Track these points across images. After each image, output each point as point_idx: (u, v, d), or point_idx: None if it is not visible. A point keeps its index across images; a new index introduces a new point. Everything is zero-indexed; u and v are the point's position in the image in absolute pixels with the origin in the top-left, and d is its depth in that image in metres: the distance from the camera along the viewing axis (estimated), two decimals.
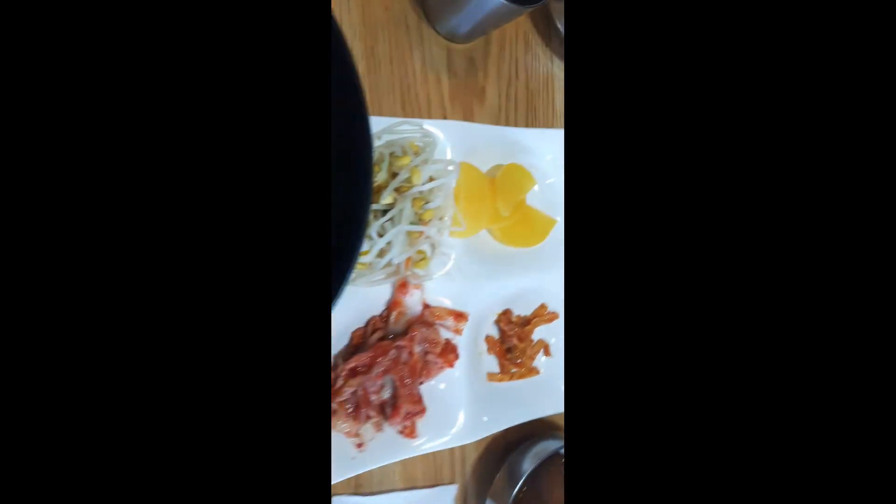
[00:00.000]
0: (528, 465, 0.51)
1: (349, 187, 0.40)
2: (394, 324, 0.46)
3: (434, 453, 0.52)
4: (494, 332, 0.57)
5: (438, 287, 0.50)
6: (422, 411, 0.46)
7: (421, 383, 0.47)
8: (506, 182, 0.54)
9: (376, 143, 0.47)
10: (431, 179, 0.47)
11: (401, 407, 0.44)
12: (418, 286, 0.46)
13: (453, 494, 0.53)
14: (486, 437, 0.54)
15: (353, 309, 0.47)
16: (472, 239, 0.54)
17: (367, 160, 0.39)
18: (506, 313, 0.57)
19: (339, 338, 0.47)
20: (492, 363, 0.56)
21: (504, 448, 0.56)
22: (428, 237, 0.46)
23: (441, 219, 0.47)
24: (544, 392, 0.58)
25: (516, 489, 0.49)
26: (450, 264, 0.49)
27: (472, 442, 0.53)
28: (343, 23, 0.53)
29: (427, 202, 0.46)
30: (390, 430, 0.47)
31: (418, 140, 0.48)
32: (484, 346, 0.56)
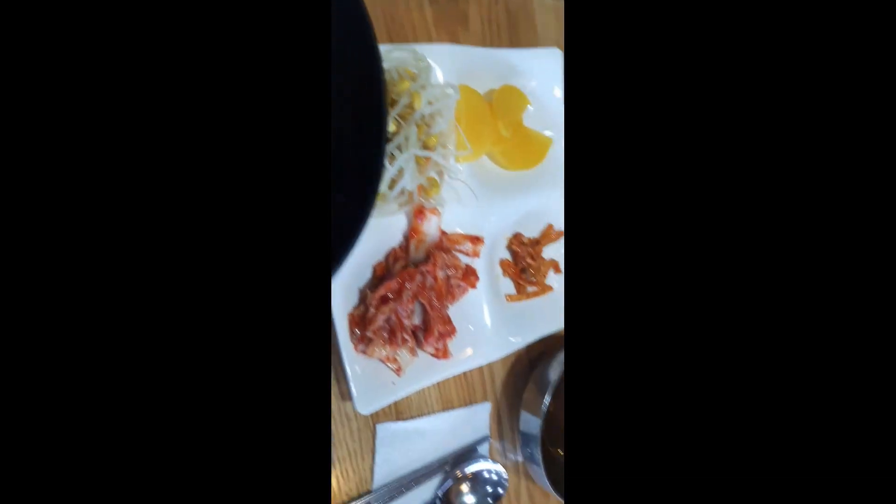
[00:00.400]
0: (553, 374, 0.53)
1: (362, 126, 0.39)
2: (415, 252, 0.46)
3: (465, 375, 0.54)
4: (507, 256, 0.58)
5: (449, 216, 0.51)
6: (453, 331, 0.47)
7: (447, 306, 0.48)
8: (502, 103, 0.54)
9: None
10: (430, 104, 0.46)
11: (433, 328, 0.45)
12: (435, 211, 0.46)
13: (488, 411, 0.55)
14: (512, 355, 0.56)
15: (371, 242, 0.47)
16: (475, 166, 0.54)
17: (380, 97, 0.38)
18: (516, 237, 0.58)
19: (362, 272, 0.47)
20: (508, 285, 0.57)
21: (529, 363, 0.58)
22: (436, 163, 0.46)
23: (445, 145, 0.47)
24: (559, 307, 0.59)
25: (546, 397, 0.52)
26: (461, 189, 0.50)
27: (499, 360, 0.55)
28: None
29: (429, 127, 0.46)
30: (424, 355, 0.48)
31: (412, 66, 0.48)
32: (499, 270, 0.57)
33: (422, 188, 0.46)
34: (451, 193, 0.49)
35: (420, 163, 0.46)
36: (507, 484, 0.52)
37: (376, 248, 0.48)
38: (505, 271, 0.57)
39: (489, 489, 0.51)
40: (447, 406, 0.53)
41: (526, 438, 0.53)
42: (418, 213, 0.45)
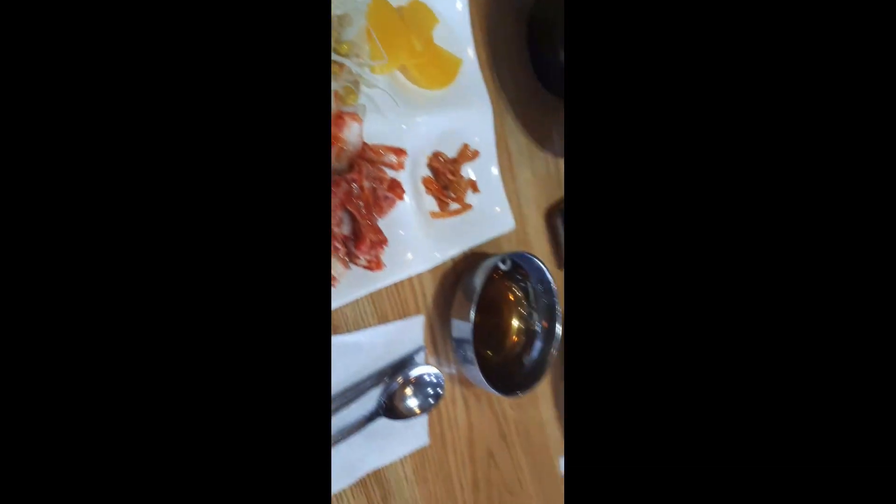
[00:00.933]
0: (478, 281, 0.56)
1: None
2: (336, 161, 0.47)
3: (398, 290, 0.56)
4: (429, 174, 0.59)
5: (371, 128, 0.51)
6: (384, 241, 0.48)
7: (377, 218, 0.49)
8: (413, 17, 0.54)
9: None
10: (337, 7, 0.46)
11: (365, 237, 0.46)
12: (355, 117, 0.47)
13: (422, 324, 0.57)
14: (440, 269, 0.59)
15: None
16: (394, 82, 0.55)
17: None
18: (436, 155, 0.59)
19: None
20: (431, 203, 0.59)
21: (455, 275, 0.60)
22: (350, 71, 0.46)
23: (359, 55, 0.47)
24: (480, 222, 0.62)
25: (473, 303, 0.55)
26: (380, 99, 0.50)
27: (428, 274, 0.57)
28: None
29: (339, 33, 0.46)
30: (356, 268, 0.49)
31: None
32: (422, 188, 0.58)
33: (338, 94, 0.46)
34: (370, 103, 0.49)
35: (335, 70, 0.45)
36: (444, 385, 0.56)
37: None
38: (428, 188, 0.59)
39: (430, 391, 0.54)
40: (382, 320, 0.54)
41: (459, 343, 0.57)
42: (337, 118, 0.46)
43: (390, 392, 0.52)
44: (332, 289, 0.47)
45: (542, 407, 0.70)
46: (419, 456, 0.57)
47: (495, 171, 0.63)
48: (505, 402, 0.65)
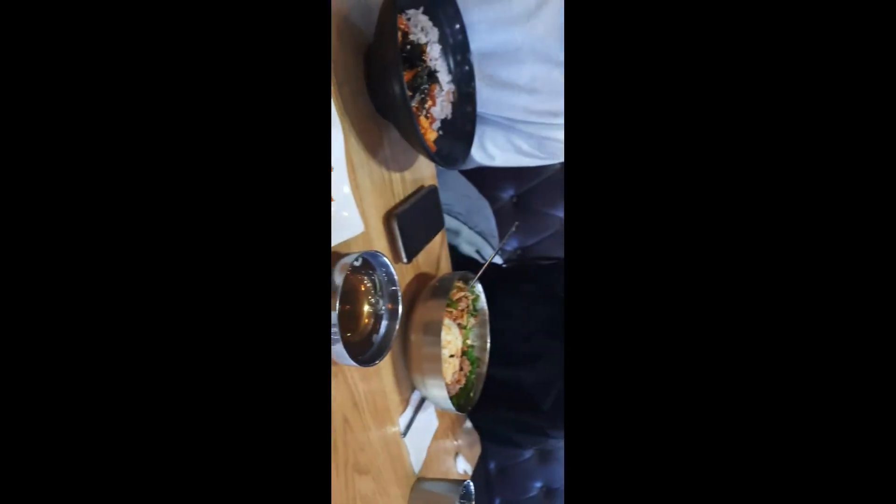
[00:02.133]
0: (338, 277, 0.68)
1: None
2: None
3: None
4: None
5: None
6: None
7: None
8: None
9: None
10: None
11: None
12: None
13: None
14: None
15: None
16: None
17: None
18: None
19: None
20: None
21: None
22: None
23: None
24: (337, 228, 0.74)
25: (337, 294, 0.66)
26: None
27: None
28: None
29: None
30: None
31: None
32: None
33: None
34: None
35: None
36: None
37: None
38: None
39: None
40: None
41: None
42: None
43: None
44: None
45: (384, 378, 0.84)
46: None
47: (346, 189, 0.75)
48: (357, 375, 0.77)
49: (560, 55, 0.84)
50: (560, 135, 0.95)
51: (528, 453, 1.63)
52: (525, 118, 0.94)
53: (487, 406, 0.89)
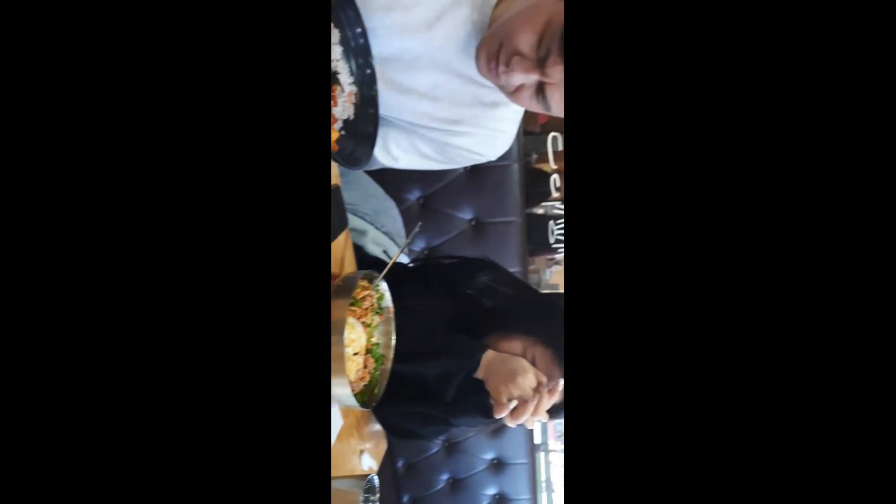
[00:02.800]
0: None
1: None
2: None
3: None
4: None
5: None
6: None
7: None
8: None
9: None
10: None
11: None
12: None
13: None
14: None
15: None
16: None
17: None
18: None
19: None
20: None
21: None
22: None
23: None
24: None
25: None
26: None
27: None
28: None
29: None
30: None
31: None
32: None
33: None
34: None
35: None
36: None
37: None
38: None
39: None
40: None
41: None
42: None
43: None
44: None
45: None
46: None
47: None
48: None
49: (459, 66, 0.87)
50: (460, 141, 0.98)
51: (434, 447, 1.67)
52: (427, 123, 0.96)
53: (392, 402, 0.91)
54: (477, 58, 0.78)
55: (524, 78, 0.72)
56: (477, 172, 1.51)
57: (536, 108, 0.77)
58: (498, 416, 0.83)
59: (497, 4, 0.82)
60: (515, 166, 1.50)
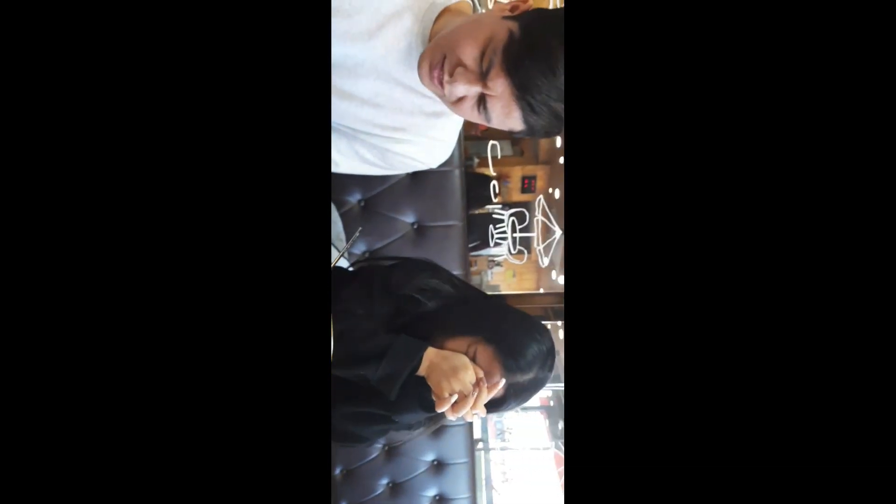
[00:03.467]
0: None
1: None
2: None
3: None
4: None
5: None
6: None
7: None
8: None
9: None
10: None
11: None
12: None
13: None
14: None
15: None
16: None
17: None
18: None
19: None
20: None
21: None
22: None
23: None
24: None
25: None
26: None
27: None
28: None
29: None
30: None
31: None
32: None
33: None
34: None
35: None
36: None
37: None
38: None
39: None
40: None
41: None
42: None
43: None
44: None
45: None
46: None
47: None
48: None
49: (400, 75, 0.88)
50: (401, 148, 0.99)
51: (374, 452, 1.66)
52: (369, 130, 0.96)
53: (333, 405, 0.91)
54: (419, 67, 0.80)
55: (466, 89, 0.74)
56: (419, 176, 1.52)
57: (477, 119, 0.78)
58: (439, 410, 0.84)
59: (438, 17, 0.84)
60: (457, 172, 1.52)
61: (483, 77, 0.72)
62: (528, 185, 5.35)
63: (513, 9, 0.76)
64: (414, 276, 1.02)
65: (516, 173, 5.33)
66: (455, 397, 0.83)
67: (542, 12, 0.74)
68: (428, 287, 1.00)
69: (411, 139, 0.96)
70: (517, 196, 5.34)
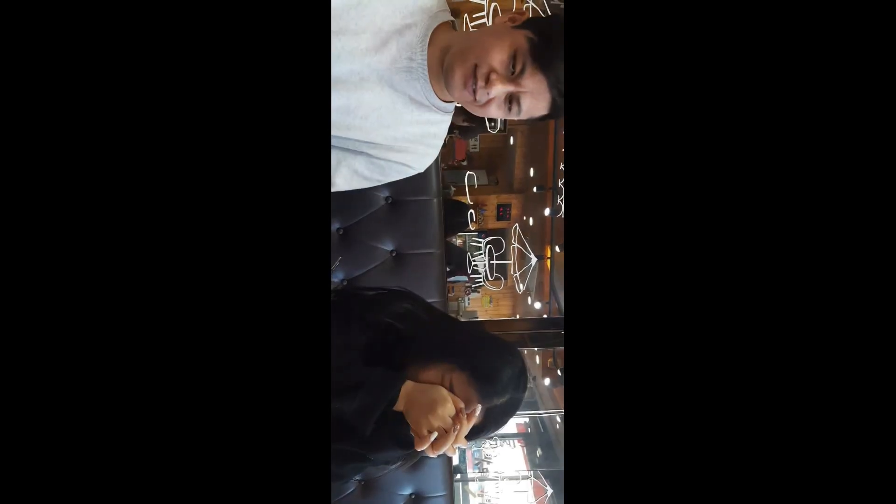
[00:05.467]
0: None
1: None
2: None
3: None
4: None
5: None
6: None
7: None
8: None
9: None
10: None
11: None
12: None
13: None
14: None
15: None
16: None
17: None
18: None
19: None
20: None
21: None
22: None
23: None
24: None
25: None
26: None
27: None
28: None
29: None
30: None
31: None
32: None
33: None
34: None
35: None
36: None
37: None
38: None
39: None
40: None
41: None
42: None
43: None
44: None
45: None
46: None
47: None
48: None
49: (403, 86, 0.95)
50: (399, 157, 1.05)
51: (350, 487, 1.62)
52: (372, 140, 1.02)
53: None
54: (450, 78, 0.90)
55: (502, 90, 0.86)
56: (397, 205, 1.52)
57: (503, 115, 0.91)
58: (419, 449, 0.82)
59: (436, 31, 0.93)
60: (435, 200, 1.53)
61: (516, 78, 0.86)
62: (503, 212, 5.42)
63: (512, 20, 0.90)
64: (392, 304, 1.01)
65: (492, 202, 5.39)
66: (435, 435, 0.81)
67: (541, 19, 0.93)
68: (404, 312, 1.00)
69: (408, 147, 1.04)
70: (493, 223, 5.40)
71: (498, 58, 0.86)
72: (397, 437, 0.86)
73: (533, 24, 0.89)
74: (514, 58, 0.86)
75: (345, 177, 1.08)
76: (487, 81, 0.86)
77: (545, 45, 0.84)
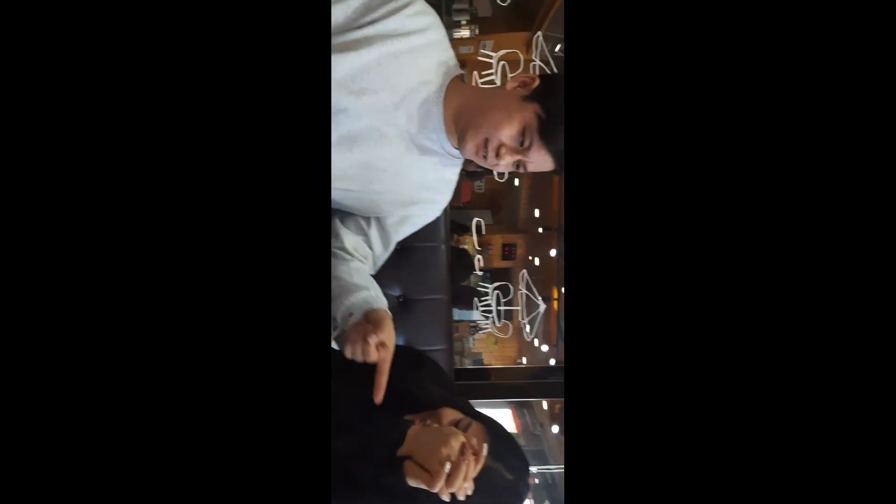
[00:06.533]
0: None
1: None
2: None
3: None
4: None
5: None
6: None
7: None
8: None
9: None
10: None
11: None
12: None
13: None
14: None
15: None
16: None
17: None
18: None
19: None
20: None
21: None
22: None
23: None
24: None
25: None
26: None
27: None
28: None
29: None
30: None
31: None
32: None
33: None
34: None
35: None
36: None
37: None
38: None
39: None
40: None
41: None
42: None
43: None
44: None
45: None
46: None
47: None
48: None
49: (420, 139, 1.03)
50: (417, 210, 1.17)
51: None
52: (391, 198, 1.12)
53: None
54: (464, 148, 1.00)
55: (510, 161, 0.97)
56: (405, 252, 1.53)
57: (511, 170, 1.01)
58: (434, 489, 0.78)
59: (449, 86, 1.02)
60: (443, 247, 1.54)
61: (524, 150, 0.95)
62: (508, 252, 5.43)
63: (523, 85, 0.97)
64: (407, 372, 1.01)
65: (497, 241, 5.40)
66: (448, 466, 0.75)
67: (549, 84, 0.95)
68: (421, 390, 1.01)
69: (422, 196, 1.14)
70: (498, 262, 5.39)
71: (507, 133, 0.94)
72: (392, 494, 0.82)
73: (541, 97, 0.95)
74: (522, 133, 0.94)
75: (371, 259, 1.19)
76: (498, 154, 0.95)
77: (553, 121, 0.91)
